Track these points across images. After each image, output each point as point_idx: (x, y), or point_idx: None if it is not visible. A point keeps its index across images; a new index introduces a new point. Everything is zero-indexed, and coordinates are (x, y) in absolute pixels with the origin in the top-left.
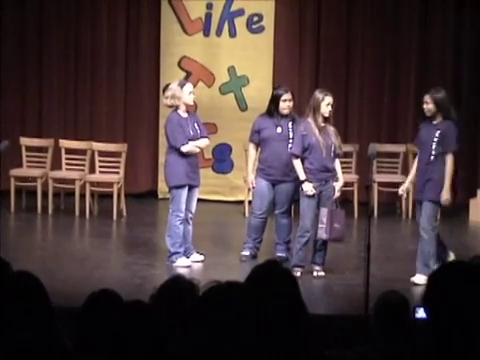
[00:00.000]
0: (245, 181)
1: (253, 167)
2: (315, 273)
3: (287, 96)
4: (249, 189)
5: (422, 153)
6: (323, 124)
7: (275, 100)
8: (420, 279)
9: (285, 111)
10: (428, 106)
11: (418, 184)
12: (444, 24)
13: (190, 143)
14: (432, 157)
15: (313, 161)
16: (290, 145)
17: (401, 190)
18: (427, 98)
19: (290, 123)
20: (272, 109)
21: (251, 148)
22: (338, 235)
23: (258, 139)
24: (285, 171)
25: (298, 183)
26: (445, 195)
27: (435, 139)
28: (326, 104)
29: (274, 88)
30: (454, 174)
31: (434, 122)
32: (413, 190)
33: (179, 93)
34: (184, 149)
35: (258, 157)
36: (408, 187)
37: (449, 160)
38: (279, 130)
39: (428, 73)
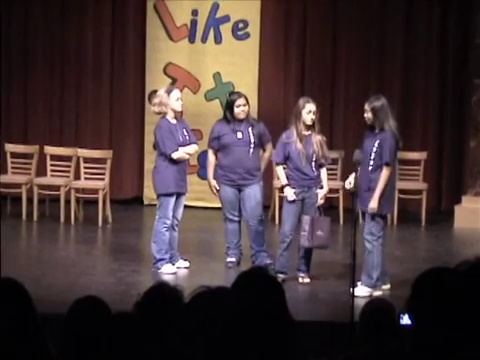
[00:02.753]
0: (210, 187)
1: (213, 173)
2: (300, 280)
3: (241, 101)
4: (214, 193)
5: (363, 162)
6: (307, 132)
7: (229, 106)
8: (361, 291)
9: (240, 116)
10: (367, 115)
11: (360, 193)
12: (429, 27)
13: (180, 149)
14: (370, 167)
15: (293, 169)
16: (251, 150)
17: (347, 184)
18: (366, 106)
19: (250, 128)
20: (228, 115)
21: (210, 154)
22: (321, 242)
23: (218, 145)
24: (247, 176)
25: (280, 188)
26: (372, 204)
27: (374, 149)
28: (307, 111)
29: (229, 94)
30: (391, 186)
31: (375, 131)
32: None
33: (166, 100)
34: (175, 156)
35: (218, 163)
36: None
37: (383, 171)
38: (240, 135)
39: (414, 76)
